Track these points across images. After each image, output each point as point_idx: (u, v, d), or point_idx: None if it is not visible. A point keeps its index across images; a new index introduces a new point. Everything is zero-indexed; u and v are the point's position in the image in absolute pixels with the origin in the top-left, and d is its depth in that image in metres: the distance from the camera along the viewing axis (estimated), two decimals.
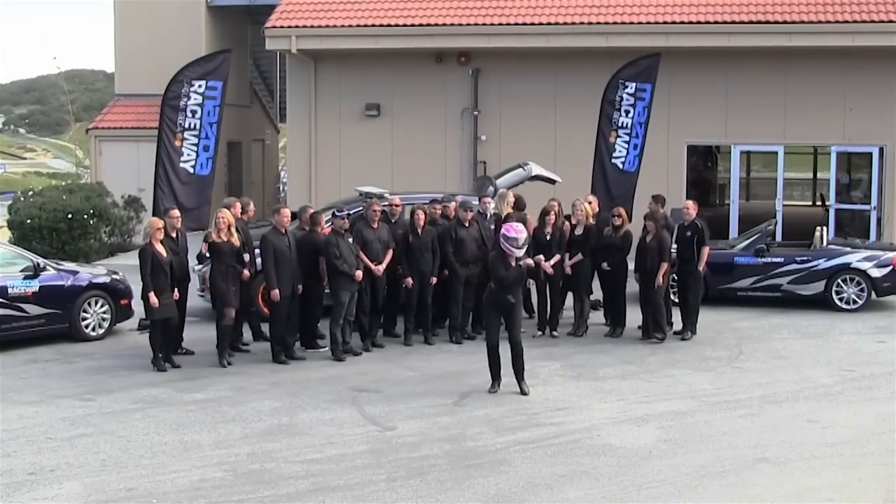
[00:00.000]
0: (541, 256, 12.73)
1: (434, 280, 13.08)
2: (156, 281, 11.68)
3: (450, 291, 13.22)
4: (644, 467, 8.43)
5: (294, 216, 12.94)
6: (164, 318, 11.81)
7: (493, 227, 13.46)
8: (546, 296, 13.59)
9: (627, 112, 15.50)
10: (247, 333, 13.08)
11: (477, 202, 13.92)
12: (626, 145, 15.57)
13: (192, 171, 14.04)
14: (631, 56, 16.49)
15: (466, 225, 13.23)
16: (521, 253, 10.47)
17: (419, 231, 12.97)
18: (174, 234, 12.33)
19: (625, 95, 15.52)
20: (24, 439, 9.19)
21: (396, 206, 13.51)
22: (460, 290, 13.16)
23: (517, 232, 10.51)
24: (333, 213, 12.69)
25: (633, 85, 15.54)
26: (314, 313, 12.73)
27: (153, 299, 11.64)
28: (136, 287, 13.61)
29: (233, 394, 10.77)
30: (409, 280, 12.93)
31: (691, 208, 13.65)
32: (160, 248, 11.82)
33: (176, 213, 12.54)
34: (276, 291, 11.95)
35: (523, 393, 10.62)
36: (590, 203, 14.04)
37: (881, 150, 19.95)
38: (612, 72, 16.10)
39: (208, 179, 14.25)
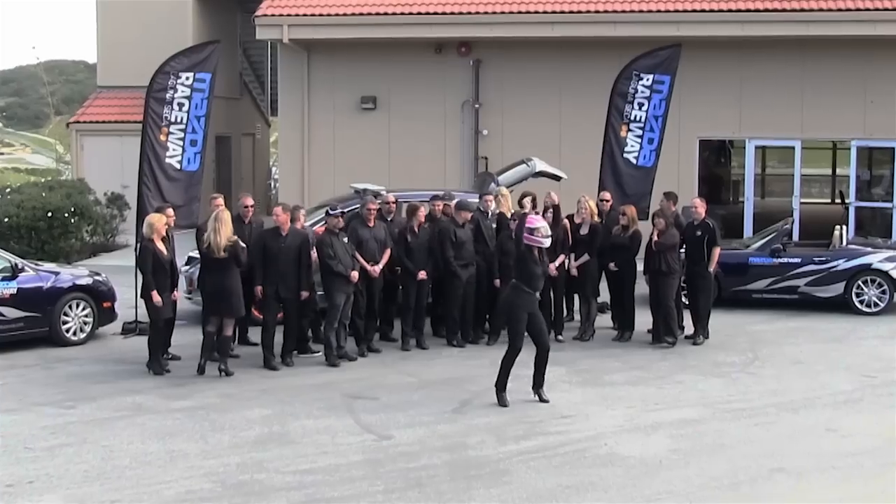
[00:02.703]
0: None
1: (423, 274, 12.77)
2: (157, 279, 11.54)
3: (450, 294, 12.98)
4: (654, 478, 8.33)
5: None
6: (166, 317, 11.65)
7: (494, 226, 13.27)
8: (550, 298, 13.28)
9: (641, 105, 15.14)
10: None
11: (477, 200, 13.66)
12: (638, 139, 15.25)
13: (178, 166, 13.89)
14: (640, 46, 16.27)
15: (463, 225, 12.97)
16: (548, 242, 10.38)
17: (416, 230, 12.81)
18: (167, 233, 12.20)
19: (640, 88, 15.14)
20: (1, 449, 9.00)
21: (391, 203, 13.28)
22: (461, 292, 12.94)
23: (538, 222, 10.41)
24: (327, 212, 12.49)
25: (651, 77, 15.13)
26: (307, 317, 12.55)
27: (157, 298, 11.47)
28: (121, 289, 13.72)
29: (221, 401, 10.63)
30: (422, 273, 12.71)
31: (699, 206, 13.42)
32: (161, 246, 11.69)
33: (171, 211, 12.47)
34: (259, 288, 11.90)
35: (543, 400, 10.44)
36: (606, 201, 13.91)
37: None
38: (620, 62, 15.85)
39: (197, 175, 14.09)
